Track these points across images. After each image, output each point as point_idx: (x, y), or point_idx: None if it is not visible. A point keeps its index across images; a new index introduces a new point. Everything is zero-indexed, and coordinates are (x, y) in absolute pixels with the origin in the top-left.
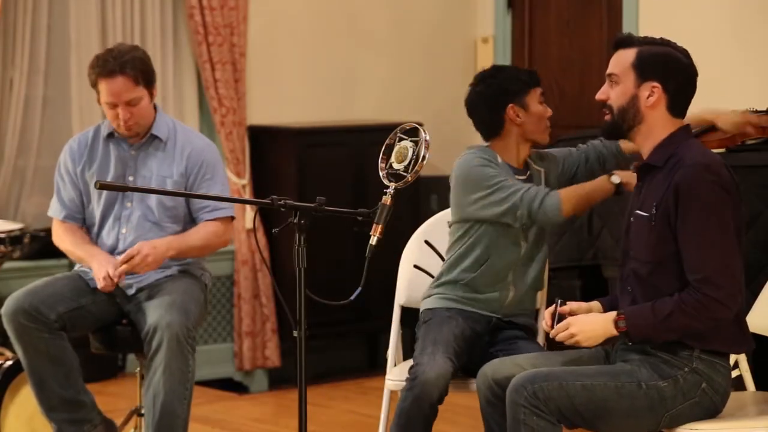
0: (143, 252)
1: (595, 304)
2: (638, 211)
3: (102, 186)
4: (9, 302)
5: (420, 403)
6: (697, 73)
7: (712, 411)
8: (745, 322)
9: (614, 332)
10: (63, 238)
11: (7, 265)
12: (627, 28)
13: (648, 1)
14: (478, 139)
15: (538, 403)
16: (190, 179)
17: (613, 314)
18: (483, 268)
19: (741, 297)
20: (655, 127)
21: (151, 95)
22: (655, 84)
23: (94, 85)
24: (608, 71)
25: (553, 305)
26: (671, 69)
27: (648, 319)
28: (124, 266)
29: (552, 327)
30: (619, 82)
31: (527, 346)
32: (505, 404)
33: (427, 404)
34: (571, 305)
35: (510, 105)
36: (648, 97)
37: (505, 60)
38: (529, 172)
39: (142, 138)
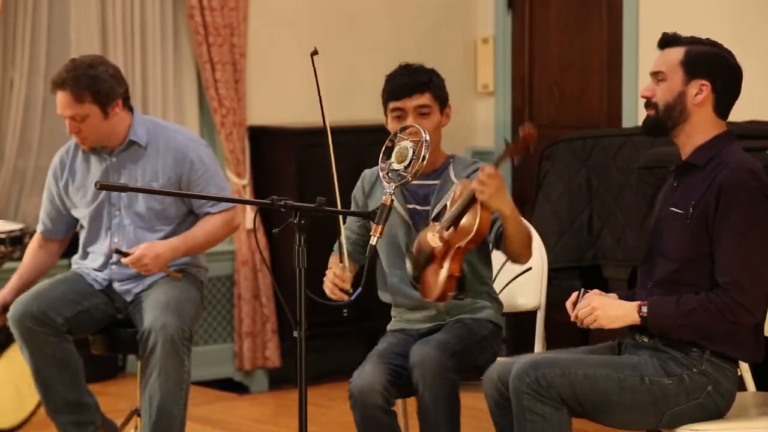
0: (143, 261)
1: (613, 296)
2: (673, 209)
3: (102, 186)
4: (16, 306)
5: (367, 412)
6: (743, 75)
7: (715, 414)
8: (762, 332)
9: (635, 317)
10: (27, 251)
11: (8, 265)
12: (627, 27)
13: (648, 1)
14: (478, 140)
15: (540, 389)
16: (182, 180)
17: (636, 302)
18: (390, 283)
19: (766, 306)
20: (700, 127)
21: (106, 112)
22: (704, 82)
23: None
24: (654, 69)
25: (575, 295)
26: (720, 68)
27: (671, 310)
28: (126, 260)
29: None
30: (666, 80)
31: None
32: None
33: (378, 410)
34: (594, 292)
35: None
36: (696, 95)
37: (506, 60)
38: (438, 181)
39: (120, 145)
